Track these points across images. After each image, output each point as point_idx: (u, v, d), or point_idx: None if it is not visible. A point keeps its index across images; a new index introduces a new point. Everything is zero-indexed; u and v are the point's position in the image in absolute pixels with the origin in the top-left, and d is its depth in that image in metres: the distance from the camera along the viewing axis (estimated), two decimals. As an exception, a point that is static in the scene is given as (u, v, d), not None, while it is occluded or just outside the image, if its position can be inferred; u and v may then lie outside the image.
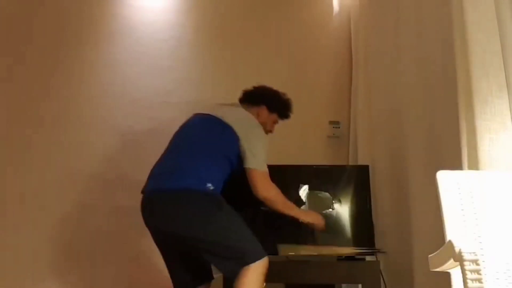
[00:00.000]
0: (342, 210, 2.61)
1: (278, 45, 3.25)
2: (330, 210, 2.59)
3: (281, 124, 3.15)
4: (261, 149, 2.16)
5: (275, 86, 3.19)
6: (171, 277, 2.17)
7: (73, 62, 2.97)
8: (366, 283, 2.42)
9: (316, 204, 2.59)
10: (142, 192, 2.15)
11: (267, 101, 2.41)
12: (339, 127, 3.16)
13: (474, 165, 1.85)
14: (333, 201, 2.61)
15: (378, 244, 2.64)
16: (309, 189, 2.61)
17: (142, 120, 2.96)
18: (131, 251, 2.78)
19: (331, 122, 3.17)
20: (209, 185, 2.02)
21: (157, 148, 2.92)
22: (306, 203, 2.58)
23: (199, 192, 2.01)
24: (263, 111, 2.39)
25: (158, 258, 2.76)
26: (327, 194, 2.62)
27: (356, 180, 2.67)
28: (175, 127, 2.96)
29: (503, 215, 1.63)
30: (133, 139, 2.93)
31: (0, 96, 2.84)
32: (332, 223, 2.58)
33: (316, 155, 3.11)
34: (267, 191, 2.12)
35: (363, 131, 2.95)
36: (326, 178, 2.66)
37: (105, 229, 2.78)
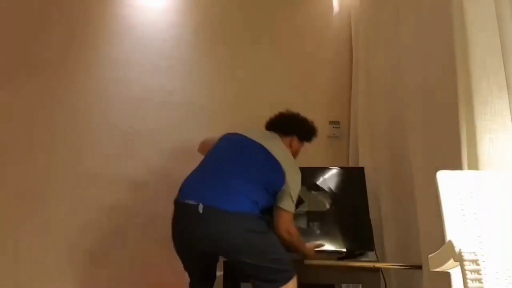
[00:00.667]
0: (340, 212, 2.63)
1: (278, 45, 3.25)
2: (327, 208, 2.60)
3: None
4: (296, 193, 2.27)
5: (275, 86, 3.21)
6: (189, 274, 2.24)
7: (73, 62, 2.97)
8: (366, 283, 2.41)
9: (314, 203, 2.60)
10: (178, 202, 2.14)
11: (299, 132, 2.51)
12: (339, 127, 3.16)
13: (474, 165, 1.85)
14: (330, 200, 2.62)
15: (379, 245, 2.65)
16: (307, 189, 2.62)
17: (142, 120, 2.96)
18: (132, 250, 2.78)
19: (331, 122, 3.16)
20: (259, 211, 2.14)
21: (157, 148, 2.94)
22: (306, 202, 2.59)
23: (253, 214, 2.10)
24: (295, 141, 2.50)
25: (159, 257, 2.77)
26: (325, 193, 2.63)
27: (352, 182, 2.70)
28: (175, 127, 2.97)
29: (503, 215, 1.63)
30: (133, 139, 2.93)
31: (2, 98, 2.84)
32: (330, 224, 2.58)
33: (316, 155, 3.11)
34: (289, 232, 2.23)
35: (364, 131, 2.95)
36: (323, 179, 2.69)
37: (106, 229, 2.78)
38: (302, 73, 3.25)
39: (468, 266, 1.31)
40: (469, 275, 1.31)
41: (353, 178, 2.73)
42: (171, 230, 2.13)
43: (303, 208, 2.60)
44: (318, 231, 2.60)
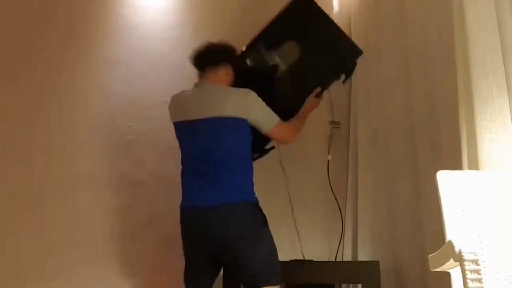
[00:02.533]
0: (314, 50, 2.51)
1: (278, 45, 3.24)
2: (299, 53, 2.50)
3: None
4: (264, 108, 2.24)
5: (275, 86, 3.19)
6: (188, 279, 2.22)
7: (72, 62, 2.96)
8: (366, 283, 2.42)
9: (286, 57, 2.52)
10: (184, 207, 2.20)
11: (231, 58, 2.41)
12: (339, 127, 3.16)
13: (474, 165, 1.86)
14: (298, 46, 2.50)
15: (381, 246, 2.64)
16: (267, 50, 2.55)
17: (142, 120, 2.96)
18: (132, 250, 2.78)
19: (331, 122, 3.16)
20: (254, 193, 2.16)
21: (157, 148, 2.93)
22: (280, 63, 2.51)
23: (251, 204, 2.14)
24: (229, 70, 2.37)
25: (158, 257, 2.77)
26: (288, 43, 2.52)
27: (305, 16, 2.55)
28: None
29: (503, 215, 1.64)
30: (133, 139, 2.92)
31: (2, 97, 2.83)
32: (312, 65, 2.51)
33: (316, 155, 3.11)
34: (289, 137, 2.38)
35: (365, 131, 2.95)
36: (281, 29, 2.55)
37: (106, 229, 2.78)
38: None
39: (468, 266, 1.32)
40: (469, 275, 1.31)
41: (304, 12, 2.55)
42: (182, 237, 2.21)
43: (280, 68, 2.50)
44: (306, 80, 2.53)
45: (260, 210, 2.16)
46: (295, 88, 2.55)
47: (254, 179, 2.22)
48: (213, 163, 2.14)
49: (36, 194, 2.74)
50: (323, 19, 2.56)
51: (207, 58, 2.38)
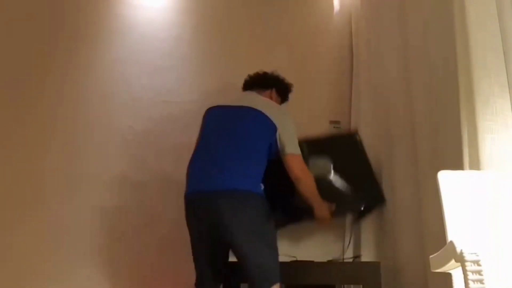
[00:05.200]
0: (344, 174, 2.61)
1: (279, 44, 3.24)
2: (330, 174, 2.60)
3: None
4: (294, 134, 2.30)
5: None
6: (199, 273, 2.19)
7: (73, 62, 2.96)
8: (367, 284, 2.41)
9: (316, 168, 2.57)
10: (186, 195, 2.18)
11: (276, 84, 2.55)
12: (339, 127, 3.15)
13: (476, 165, 1.85)
14: (332, 164, 2.61)
15: (382, 247, 2.64)
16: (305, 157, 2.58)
17: (142, 120, 2.96)
18: (132, 250, 2.77)
19: (331, 122, 3.15)
20: (261, 185, 2.15)
21: (157, 148, 2.93)
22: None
23: (257, 196, 2.12)
24: (274, 93, 2.52)
25: (158, 257, 2.76)
26: (325, 158, 2.62)
27: (350, 146, 2.71)
28: (175, 127, 2.96)
29: (505, 216, 1.63)
30: (133, 139, 2.92)
31: (2, 97, 2.83)
32: (336, 188, 2.59)
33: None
34: (304, 173, 2.27)
35: (365, 131, 2.94)
36: (319, 149, 2.68)
37: (106, 229, 2.77)
38: (303, 72, 3.24)
39: (470, 267, 1.31)
40: (470, 276, 1.30)
41: (349, 143, 2.73)
42: (187, 225, 2.17)
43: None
44: (325, 196, 2.53)
45: (266, 205, 2.15)
46: None
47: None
48: (233, 146, 2.15)
49: (36, 194, 2.74)
50: (364, 158, 2.67)
51: (257, 81, 2.55)
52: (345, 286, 2.78)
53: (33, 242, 2.67)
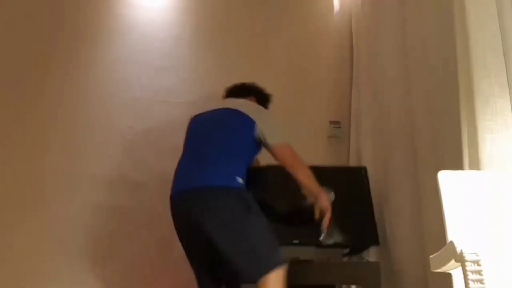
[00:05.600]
0: (343, 209, 2.55)
1: (278, 44, 3.24)
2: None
3: (282, 124, 3.14)
4: (276, 124, 2.29)
5: (276, 85, 3.19)
6: (197, 275, 2.18)
7: (73, 62, 2.96)
8: (367, 284, 2.41)
9: None
10: (170, 197, 2.17)
11: (256, 92, 2.53)
12: (339, 127, 3.15)
13: (475, 165, 1.85)
14: (333, 197, 2.59)
15: (382, 247, 2.64)
16: None
17: (142, 120, 2.96)
18: (132, 250, 2.77)
19: (331, 122, 3.16)
20: (239, 179, 2.10)
21: (157, 148, 2.93)
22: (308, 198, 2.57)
23: (232, 190, 2.07)
24: (254, 101, 2.48)
25: (158, 257, 2.76)
26: (328, 189, 2.62)
27: (355, 181, 2.70)
28: (175, 127, 2.95)
29: (505, 216, 1.63)
30: (133, 139, 2.92)
31: (2, 97, 2.83)
32: (334, 224, 2.58)
33: (316, 155, 3.10)
34: (296, 158, 2.22)
35: (367, 131, 2.94)
36: (325, 178, 2.66)
37: (106, 229, 2.77)
38: (303, 72, 3.24)
39: (470, 267, 1.31)
40: (470, 276, 1.30)
41: (355, 177, 2.73)
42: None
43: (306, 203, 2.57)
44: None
45: (246, 198, 2.08)
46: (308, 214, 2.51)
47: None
48: (211, 146, 2.16)
49: (36, 194, 2.74)
50: (368, 196, 2.65)
51: (236, 90, 2.54)
52: (345, 286, 2.78)
53: (33, 242, 2.67)
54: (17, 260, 2.63)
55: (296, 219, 2.55)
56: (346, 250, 2.69)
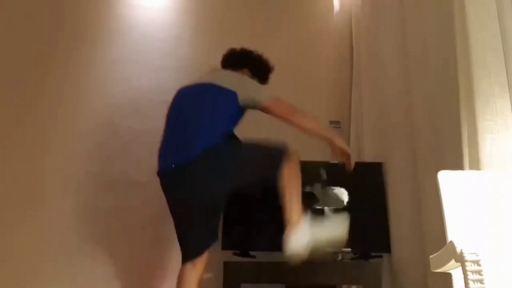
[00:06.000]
0: (356, 211, 2.54)
1: (278, 44, 3.24)
2: (344, 205, 2.55)
3: (281, 125, 3.13)
4: (260, 86, 2.29)
5: (276, 85, 3.19)
6: (184, 244, 2.17)
7: (72, 62, 2.96)
8: (367, 285, 2.41)
9: (330, 200, 2.57)
10: (158, 174, 2.22)
11: (249, 64, 2.42)
12: (339, 127, 3.15)
13: (475, 165, 1.84)
14: (348, 197, 2.54)
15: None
16: (322, 186, 2.59)
17: (142, 120, 2.95)
18: (132, 250, 2.77)
19: (331, 122, 3.15)
20: (218, 133, 2.09)
21: (157, 148, 2.92)
22: (320, 200, 2.56)
23: (211, 151, 2.06)
24: (246, 74, 2.40)
25: (158, 257, 2.76)
26: (342, 189, 2.57)
27: (371, 178, 2.65)
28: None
29: (505, 216, 1.63)
30: (133, 139, 2.92)
31: (2, 97, 2.83)
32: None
33: (316, 155, 3.10)
34: (290, 109, 2.21)
35: (367, 131, 2.94)
36: (336, 175, 2.63)
37: (106, 228, 2.77)
38: (302, 71, 3.24)
39: (470, 267, 1.30)
40: (470, 276, 1.30)
41: (371, 173, 2.67)
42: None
43: (318, 205, 2.57)
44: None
45: (228, 147, 2.10)
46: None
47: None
48: (185, 125, 2.16)
49: (36, 194, 2.74)
50: (383, 197, 2.60)
51: (230, 59, 2.46)
52: (345, 286, 2.78)
53: (33, 242, 2.67)
54: (17, 260, 2.63)
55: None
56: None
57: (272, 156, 2.11)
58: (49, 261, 2.66)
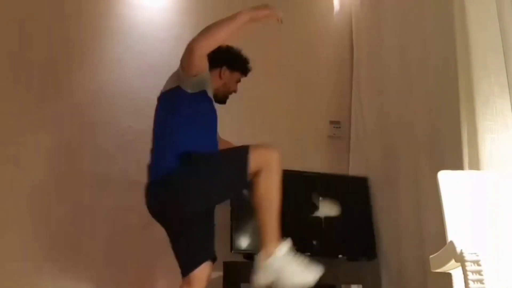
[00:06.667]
0: (342, 220, 2.68)
1: (278, 44, 3.24)
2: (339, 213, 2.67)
3: (282, 125, 3.14)
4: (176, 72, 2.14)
5: (276, 85, 3.20)
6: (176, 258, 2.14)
7: (72, 61, 2.96)
8: (366, 284, 2.41)
9: (326, 209, 2.68)
10: None
11: (227, 61, 2.33)
12: (339, 127, 3.15)
13: (475, 165, 1.85)
14: (337, 209, 2.68)
15: (382, 246, 2.65)
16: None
17: (142, 120, 2.94)
18: (131, 251, 2.77)
19: (332, 122, 3.15)
20: (169, 166, 1.97)
21: (157, 148, 2.93)
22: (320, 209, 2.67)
23: (171, 176, 1.96)
24: (225, 72, 2.31)
25: (158, 256, 2.76)
26: (334, 200, 2.70)
27: (356, 192, 2.79)
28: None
29: (504, 216, 1.63)
30: (133, 139, 2.92)
31: (2, 96, 2.83)
32: (333, 232, 2.64)
33: (316, 155, 3.10)
34: (197, 38, 2.00)
35: (367, 131, 2.94)
36: (328, 187, 2.76)
37: (105, 229, 2.77)
38: (303, 71, 3.23)
39: (470, 266, 1.31)
40: (470, 276, 1.30)
41: (356, 187, 2.80)
42: None
43: (316, 213, 2.66)
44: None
45: (177, 183, 1.93)
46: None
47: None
48: (153, 140, 2.11)
49: (35, 194, 2.73)
50: (369, 207, 2.76)
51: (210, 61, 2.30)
52: (345, 286, 2.78)
53: (33, 242, 2.67)
54: (16, 261, 2.63)
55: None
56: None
57: (235, 155, 1.95)
58: (49, 261, 2.66)
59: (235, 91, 2.39)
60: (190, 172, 1.94)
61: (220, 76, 2.30)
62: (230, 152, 2.05)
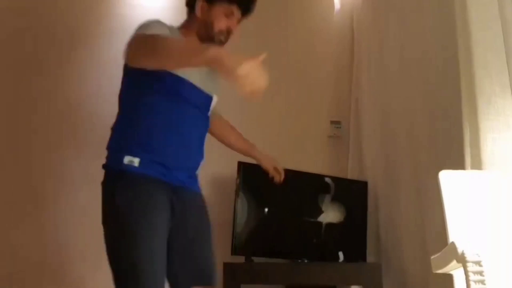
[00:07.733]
0: (339, 223, 2.70)
1: (279, 43, 3.23)
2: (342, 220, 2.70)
3: (282, 125, 3.13)
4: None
5: (276, 85, 3.17)
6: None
7: (71, 61, 2.95)
8: (368, 285, 2.40)
9: (331, 215, 2.70)
10: None
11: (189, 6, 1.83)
12: (340, 127, 3.14)
13: (477, 165, 1.84)
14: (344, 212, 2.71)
15: (383, 247, 2.65)
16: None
17: (142, 120, 2.94)
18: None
19: (332, 122, 3.15)
20: (123, 157, 1.70)
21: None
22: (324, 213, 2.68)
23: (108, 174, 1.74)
24: (201, 7, 1.83)
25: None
26: (339, 204, 2.73)
27: (354, 195, 2.79)
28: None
29: (507, 216, 1.62)
30: (132, 139, 2.91)
31: (2, 96, 2.83)
32: (326, 234, 2.65)
33: (316, 155, 3.09)
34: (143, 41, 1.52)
35: (368, 131, 2.93)
36: (324, 188, 2.75)
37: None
38: (303, 71, 3.23)
39: (471, 267, 1.30)
40: (472, 277, 1.29)
41: (355, 191, 2.81)
42: None
43: (319, 218, 2.67)
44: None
45: (117, 189, 1.63)
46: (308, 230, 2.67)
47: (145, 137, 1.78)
48: None
49: (35, 194, 2.73)
50: (364, 212, 2.78)
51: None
52: (346, 286, 2.77)
53: (33, 241, 2.67)
54: (17, 260, 2.63)
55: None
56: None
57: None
58: (49, 261, 2.66)
59: (229, 31, 1.93)
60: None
61: (196, 13, 1.89)
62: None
